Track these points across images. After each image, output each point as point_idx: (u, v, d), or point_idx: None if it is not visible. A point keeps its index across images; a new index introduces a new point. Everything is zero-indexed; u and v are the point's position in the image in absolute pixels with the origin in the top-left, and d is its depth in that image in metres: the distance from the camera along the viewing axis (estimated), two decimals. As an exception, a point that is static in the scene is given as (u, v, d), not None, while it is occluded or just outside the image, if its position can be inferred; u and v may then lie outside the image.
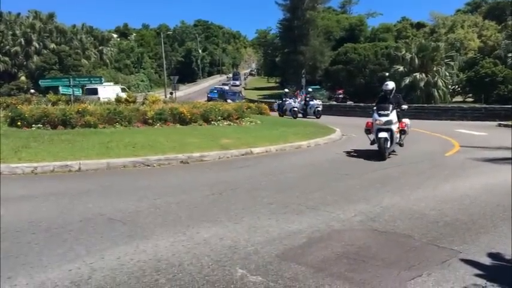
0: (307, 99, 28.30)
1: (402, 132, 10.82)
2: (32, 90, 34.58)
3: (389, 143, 10.21)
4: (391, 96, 10.81)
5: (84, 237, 4.69)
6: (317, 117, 26.31)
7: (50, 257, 4.13)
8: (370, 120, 10.83)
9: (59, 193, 6.75)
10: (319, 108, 27.49)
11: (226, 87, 60.30)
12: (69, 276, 3.71)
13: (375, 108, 10.80)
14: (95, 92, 30.98)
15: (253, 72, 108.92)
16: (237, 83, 69.91)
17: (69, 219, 5.34)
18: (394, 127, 10.40)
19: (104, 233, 4.83)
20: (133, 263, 4.01)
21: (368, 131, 10.86)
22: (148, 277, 3.71)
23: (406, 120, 11.20)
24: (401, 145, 11.18)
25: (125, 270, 3.84)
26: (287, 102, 28.04)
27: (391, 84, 11.03)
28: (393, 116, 10.41)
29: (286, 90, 32.34)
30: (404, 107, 10.89)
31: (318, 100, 29.43)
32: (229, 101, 36.12)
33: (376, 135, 10.40)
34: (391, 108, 10.40)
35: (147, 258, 4.11)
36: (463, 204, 6.15)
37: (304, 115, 27.26)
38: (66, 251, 4.28)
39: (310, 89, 33.14)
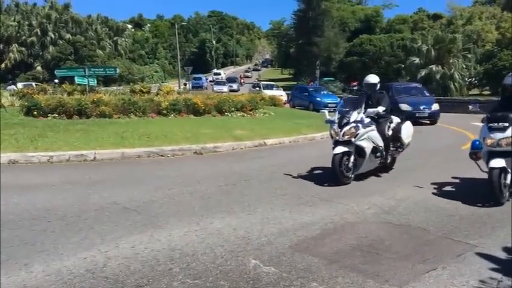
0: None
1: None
2: (56, 80, 35.19)
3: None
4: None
5: (99, 226, 4.73)
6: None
7: (65, 245, 4.19)
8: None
9: (74, 182, 6.82)
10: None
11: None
12: (84, 264, 3.76)
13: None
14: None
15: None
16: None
17: (85, 208, 5.40)
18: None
19: (119, 222, 4.88)
20: (147, 251, 4.04)
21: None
22: (163, 266, 3.74)
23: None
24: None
25: (139, 259, 3.87)
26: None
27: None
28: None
29: None
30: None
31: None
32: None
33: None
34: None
35: (161, 248, 4.14)
36: (479, 198, 6.08)
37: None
38: (82, 239, 4.33)
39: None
